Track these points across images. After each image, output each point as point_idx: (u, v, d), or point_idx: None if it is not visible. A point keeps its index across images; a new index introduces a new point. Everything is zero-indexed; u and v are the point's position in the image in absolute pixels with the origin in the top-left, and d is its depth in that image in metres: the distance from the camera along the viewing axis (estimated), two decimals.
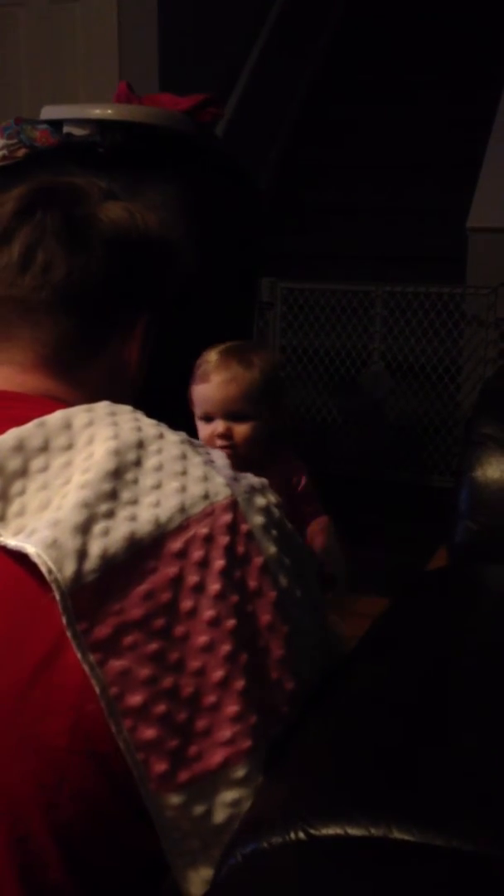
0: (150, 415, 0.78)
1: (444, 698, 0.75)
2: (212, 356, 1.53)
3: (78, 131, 1.96)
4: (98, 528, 0.67)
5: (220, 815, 0.68)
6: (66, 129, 1.98)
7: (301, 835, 0.60)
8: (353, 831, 0.59)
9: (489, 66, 3.91)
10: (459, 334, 3.24)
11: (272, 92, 4.30)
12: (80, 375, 0.82)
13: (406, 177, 4.06)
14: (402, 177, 4.07)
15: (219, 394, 1.50)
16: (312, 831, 0.60)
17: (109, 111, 1.96)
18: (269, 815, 0.63)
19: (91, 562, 0.66)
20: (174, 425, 0.79)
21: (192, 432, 1.81)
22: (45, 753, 0.66)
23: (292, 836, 0.60)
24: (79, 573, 0.66)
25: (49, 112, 2.02)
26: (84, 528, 0.67)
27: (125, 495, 0.69)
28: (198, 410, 1.49)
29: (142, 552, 0.68)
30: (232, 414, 1.47)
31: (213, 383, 1.49)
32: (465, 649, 0.86)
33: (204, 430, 1.50)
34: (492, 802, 0.60)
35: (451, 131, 4.06)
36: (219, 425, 1.47)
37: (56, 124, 2.00)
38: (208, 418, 1.49)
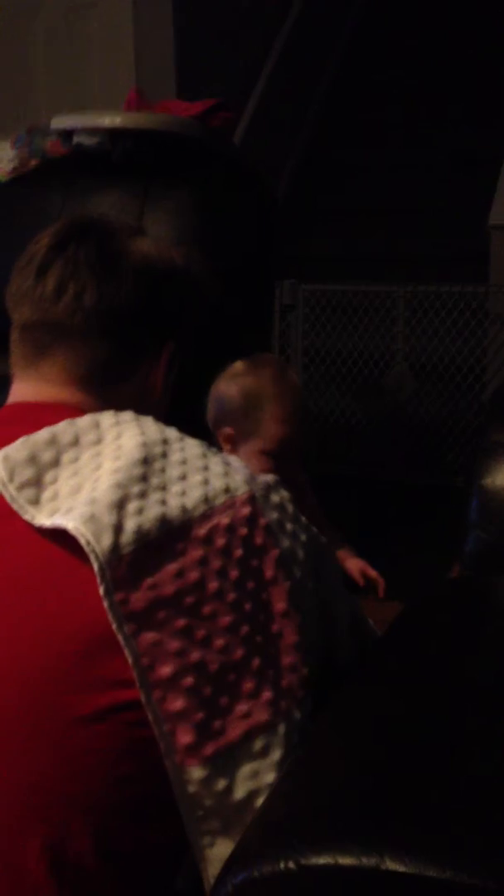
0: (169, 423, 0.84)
1: (451, 719, 0.73)
2: (290, 385, 1.51)
3: (88, 140, 1.96)
4: (132, 506, 0.72)
5: (240, 791, 0.71)
6: (76, 138, 1.98)
7: (291, 864, 0.59)
8: (344, 861, 0.58)
9: None
10: (483, 334, 3.20)
11: (292, 92, 4.28)
12: (109, 395, 0.88)
13: (427, 176, 4.02)
14: (422, 176, 4.04)
15: (298, 438, 1.51)
16: (303, 861, 0.58)
17: (119, 119, 1.96)
18: (260, 844, 0.62)
19: (127, 535, 0.71)
20: (191, 431, 0.84)
21: (207, 437, 1.81)
22: (74, 722, 0.69)
23: (283, 865, 0.59)
24: (116, 545, 0.70)
25: (59, 122, 2.02)
26: (119, 505, 0.72)
27: (155, 481, 0.75)
28: (268, 446, 1.47)
29: (172, 533, 0.72)
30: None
31: (292, 425, 1.48)
32: (473, 666, 0.84)
33: (266, 464, 1.47)
34: (488, 832, 0.58)
35: (476, 131, 4.02)
36: (287, 466, 1.45)
37: (66, 134, 2.00)
38: (276, 456, 1.48)
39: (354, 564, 1.66)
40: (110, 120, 1.96)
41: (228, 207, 2.17)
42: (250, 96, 4.01)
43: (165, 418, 0.90)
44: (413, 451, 3.41)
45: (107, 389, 0.88)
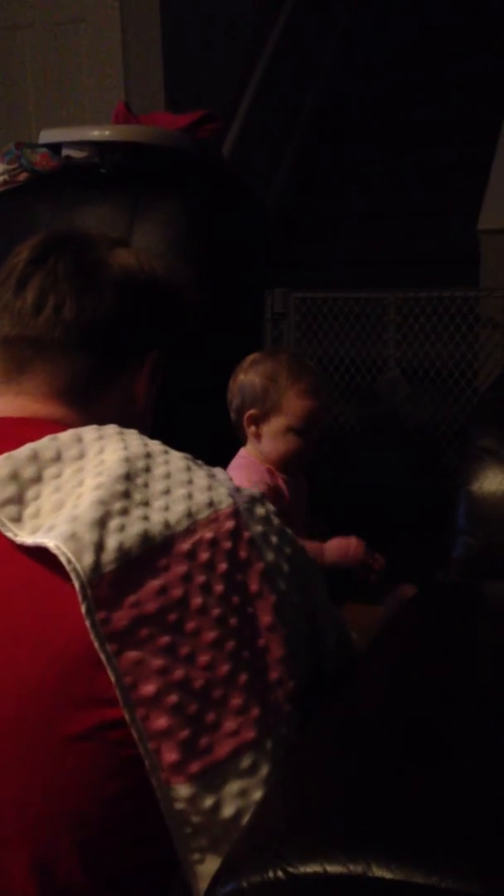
0: (160, 429, 0.86)
1: (440, 723, 0.74)
2: (307, 368, 1.62)
3: (77, 153, 1.97)
4: (114, 523, 0.72)
5: (228, 809, 0.71)
6: (65, 151, 1.99)
7: (280, 874, 0.59)
8: (332, 869, 0.58)
9: None
10: (475, 338, 3.21)
11: (282, 100, 4.30)
12: (92, 407, 0.88)
13: (418, 181, 4.04)
14: (412, 180, 4.05)
15: (326, 411, 1.61)
16: (291, 870, 0.59)
17: (107, 132, 1.97)
18: (248, 853, 0.62)
19: (108, 554, 0.70)
20: (184, 437, 0.87)
21: (200, 444, 1.82)
22: (60, 742, 0.69)
23: (271, 875, 0.59)
24: (97, 563, 0.70)
25: (47, 135, 2.03)
26: (101, 523, 0.71)
27: (137, 497, 0.74)
28: (292, 422, 1.57)
29: (154, 549, 0.72)
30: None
31: (322, 399, 1.59)
32: (463, 670, 0.85)
33: (293, 442, 1.58)
34: (475, 838, 0.59)
35: (464, 135, 4.04)
36: (313, 442, 1.58)
37: (56, 147, 2.01)
38: (301, 432, 1.57)
39: (342, 546, 1.67)
40: (99, 133, 1.97)
41: (218, 218, 2.18)
42: (239, 104, 4.03)
43: (150, 428, 0.90)
44: (407, 456, 3.41)
45: (89, 402, 0.87)
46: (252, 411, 1.59)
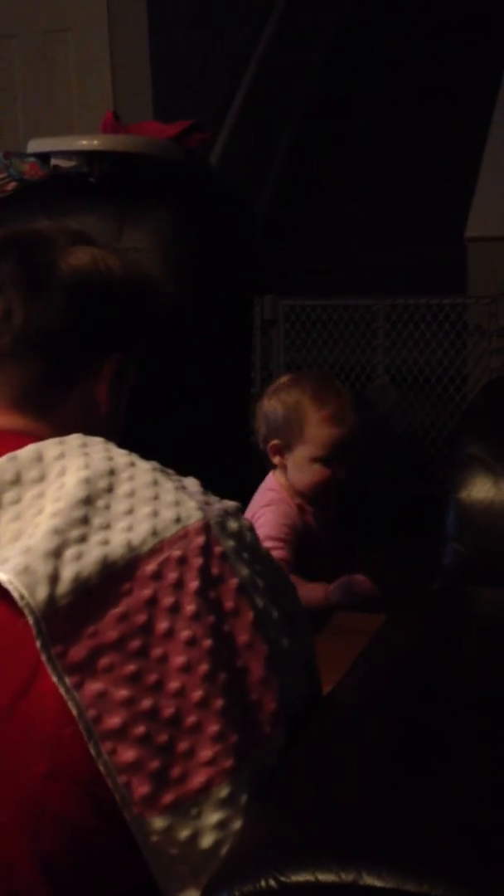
0: (149, 441, 0.82)
1: (431, 731, 0.74)
2: (333, 392, 1.52)
3: (65, 163, 1.97)
4: (70, 552, 0.69)
5: (207, 840, 0.68)
6: (53, 161, 1.99)
7: (272, 882, 0.59)
8: (323, 877, 0.59)
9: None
10: (462, 345, 3.22)
11: (271, 107, 4.31)
12: (51, 416, 0.85)
13: (406, 189, 4.05)
14: (400, 187, 4.07)
15: (352, 437, 1.50)
16: (283, 878, 0.59)
17: (96, 142, 1.97)
18: (240, 862, 0.62)
19: (63, 585, 0.68)
20: (176, 450, 0.83)
21: (189, 451, 1.83)
22: (27, 781, 0.67)
23: (263, 883, 0.59)
24: (51, 597, 0.67)
25: (35, 145, 2.03)
26: (56, 553, 0.69)
27: (97, 521, 0.71)
28: (316, 452, 1.48)
29: (115, 575, 0.69)
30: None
31: (347, 426, 1.49)
32: (453, 677, 0.85)
33: (319, 472, 1.49)
34: (466, 845, 0.59)
35: (452, 143, 4.06)
36: (341, 470, 1.49)
37: (44, 156, 2.01)
38: (327, 461, 1.49)
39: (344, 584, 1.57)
40: (88, 142, 1.97)
41: (207, 227, 2.18)
42: (228, 112, 4.04)
43: (118, 433, 0.87)
44: (396, 461, 3.42)
45: (48, 410, 0.84)
46: (275, 441, 1.54)
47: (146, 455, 0.82)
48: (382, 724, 0.76)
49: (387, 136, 4.30)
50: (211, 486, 0.82)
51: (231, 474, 1.96)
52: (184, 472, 0.84)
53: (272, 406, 1.55)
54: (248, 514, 1.57)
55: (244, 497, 1.83)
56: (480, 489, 1.05)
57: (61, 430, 0.81)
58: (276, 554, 1.34)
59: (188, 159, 2.10)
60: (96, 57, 3.55)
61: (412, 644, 0.94)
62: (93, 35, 3.55)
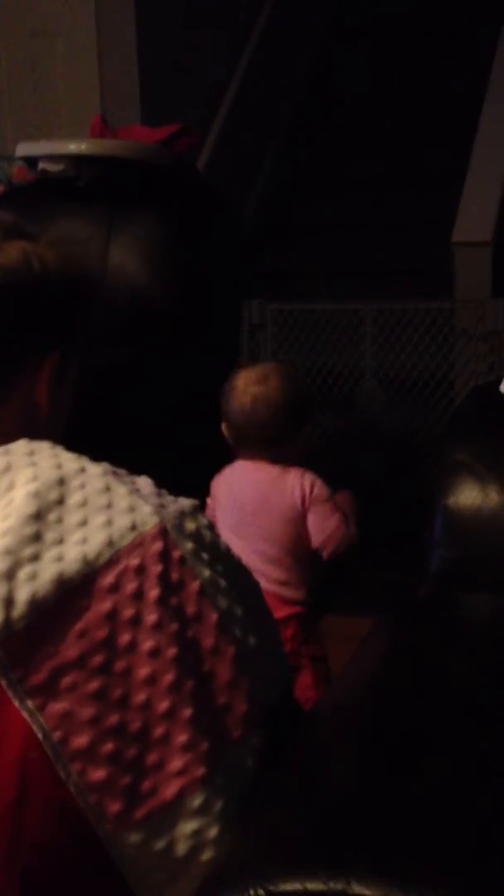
0: (135, 444, 0.78)
1: (419, 738, 0.74)
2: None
3: (53, 167, 1.97)
4: (23, 573, 0.67)
5: (181, 848, 0.68)
6: (41, 165, 1.99)
7: (260, 891, 0.59)
8: (312, 886, 0.59)
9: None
10: (450, 349, 3.23)
11: (258, 111, 4.31)
12: None
13: (393, 193, 4.06)
14: (388, 191, 4.08)
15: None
16: (271, 888, 0.59)
17: (84, 146, 1.97)
18: (228, 871, 0.62)
19: (19, 608, 0.66)
20: (161, 453, 0.78)
21: (177, 455, 1.84)
22: (3, 810, 0.66)
23: (251, 893, 0.59)
24: (7, 621, 0.66)
25: (23, 149, 2.03)
26: (9, 575, 0.67)
27: (50, 536, 0.69)
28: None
29: (72, 591, 0.68)
30: None
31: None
32: (440, 684, 0.86)
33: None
34: (454, 854, 0.60)
35: (439, 147, 4.07)
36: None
37: (32, 160, 2.01)
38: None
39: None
40: (76, 147, 1.97)
41: (195, 231, 2.19)
42: (215, 116, 4.04)
43: (61, 434, 0.84)
44: (384, 465, 3.43)
45: None
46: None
47: (133, 460, 0.81)
48: (370, 731, 0.76)
49: (376, 140, 4.30)
50: (195, 488, 0.80)
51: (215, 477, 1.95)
52: (169, 475, 0.83)
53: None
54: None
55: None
56: (468, 495, 1.05)
57: (1, 436, 0.79)
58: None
59: (176, 164, 2.11)
60: (84, 60, 3.54)
61: (399, 650, 0.94)
62: (80, 38, 3.54)
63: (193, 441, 2.04)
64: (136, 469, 0.80)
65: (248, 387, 1.67)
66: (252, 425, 1.67)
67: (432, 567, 1.06)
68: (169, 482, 0.80)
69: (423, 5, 4.53)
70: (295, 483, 1.68)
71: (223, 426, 1.72)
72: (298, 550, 1.68)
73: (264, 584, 1.44)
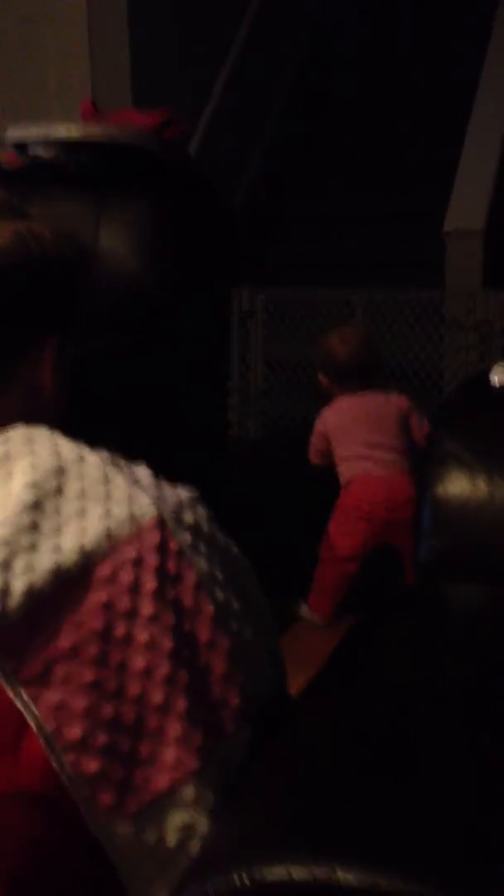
0: (128, 432, 0.79)
1: (406, 728, 0.74)
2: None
3: (44, 152, 1.95)
4: (20, 563, 0.66)
5: (172, 839, 0.67)
6: (31, 149, 1.97)
7: (245, 879, 0.59)
8: (297, 872, 0.59)
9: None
10: (440, 339, 3.24)
11: (250, 100, 4.30)
12: None
13: (385, 183, 4.06)
14: (381, 184, 4.07)
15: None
16: (256, 874, 0.59)
17: (74, 131, 1.95)
18: (213, 858, 0.62)
19: (15, 599, 0.66)
20: (154, 441, 0.78)
21: (170, 443, 1.84)
22: None
23: (236, 880, 0.59)
24: (3, 612, 0.65)
25: (13, 133, 2.01)
26: (5, 566, 0.66)
27: (47, 526, 0.68)
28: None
29: (69, 582, 0.67)
30: None
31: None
32: (428, 674, 0.86)
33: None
34: (440, 842, 0.60)
35: (431, 138, 4.06)
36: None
37: (22, 145, 2.00)
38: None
39: None
40: (66, 131, 1.95)
41: (186, 218, 2.17)
42: (207, 103, 4.03)
43: (63, 414, 0.84)
44: None
45: None
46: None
47: (125, 449, 0.80)
48: (357, 720, 0.76)
49: (367, 130, 4.30)
50: (189, 476, 0.79)
51: (209, 464, 1.95)
52: (163, 463, 0.82)
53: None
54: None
55: (223, 487, 1.84)
56: (456, 485, 1.05)
57: (5, 419, 0.78)
58: None
59: (167, 150, 2.09)
60: (75, 46, 3.52)
61: (388, 640, 0.94)
62: (72, 23, 3.52)
63: (187, 427, 2.04)
64: (129, 456, 0.79)
65: (353, 338, 2.49)
66: (365, 364, 2.47)
67: (421, 557, 1.06)
68: (163, 469, 0.79)
69: None
70: (399, 400, 2.46)
71: (320, 376, 2.55)
72: (408, 442, 2.43)
73: (396, 470, 2.38)
